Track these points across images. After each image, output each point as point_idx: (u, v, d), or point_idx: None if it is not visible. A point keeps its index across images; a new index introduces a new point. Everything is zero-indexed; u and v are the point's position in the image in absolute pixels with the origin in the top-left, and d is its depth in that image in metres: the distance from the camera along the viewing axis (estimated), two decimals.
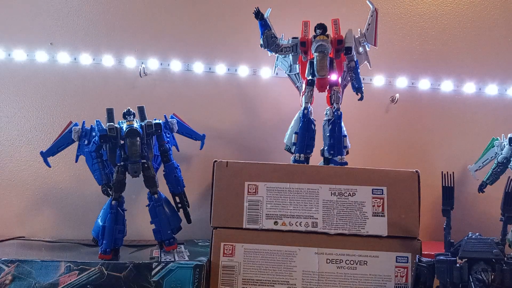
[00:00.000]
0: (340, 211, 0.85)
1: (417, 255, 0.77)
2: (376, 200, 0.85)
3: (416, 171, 0.86)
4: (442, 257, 0.72)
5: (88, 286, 0.76)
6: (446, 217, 0.77)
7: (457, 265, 0.70)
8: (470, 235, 0.73)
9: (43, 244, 1.00)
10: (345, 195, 0.86)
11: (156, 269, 0.78)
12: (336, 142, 0.94)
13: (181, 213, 0.92)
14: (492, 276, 0.68)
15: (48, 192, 1.13)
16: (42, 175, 1.13)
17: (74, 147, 0.92)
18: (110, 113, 0.88)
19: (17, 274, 0.76)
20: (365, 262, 0.83)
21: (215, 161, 0.88)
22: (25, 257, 0.79)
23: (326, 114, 0.97)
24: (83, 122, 0.92)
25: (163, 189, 0.91)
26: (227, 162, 0.88)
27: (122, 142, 0.86)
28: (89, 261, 0.79)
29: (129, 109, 0.89)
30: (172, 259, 0.82)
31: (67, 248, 0.97)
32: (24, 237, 1.08)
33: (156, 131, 0.89)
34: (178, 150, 0.97)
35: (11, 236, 1.06)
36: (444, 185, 0.77)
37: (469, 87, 1.19)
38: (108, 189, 0.89)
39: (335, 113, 0.94)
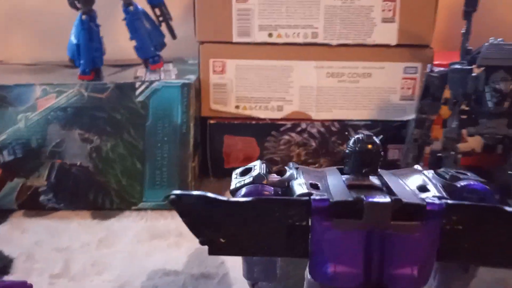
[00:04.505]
0: (345, 18, 0.74)
1: (429, 64, 0.69)
2: (386, 3, 0.73)
3: None
4: (457, 66, 0.63)
5: (69, 109, 0.71)
6: (467, 20, 0.66)
7: (473, 74, 0.62)
8: (491, 40, 0.63)
9: (22, 68, 0.93)
10: None
11: (140, 89, 0.72)
12: None
13: (163, 28, 0.82)
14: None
15: (17, 13, 1.01)
16: None
17: None
18: None
19: None
20: (369, 74, 0.76)
21: None
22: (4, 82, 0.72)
23: None
24: None
25: (141, 1, 0.79)
26: None
27: None
28: (66, 82, 0.72)
29: None
30: (158, 78, 0.75)
31: (48, 70, 0.90)
32: (1, 61, 1.00)
33: None
34: None
35: None
36: None
37: None
38: (75, 1, 0.77)
39: None
